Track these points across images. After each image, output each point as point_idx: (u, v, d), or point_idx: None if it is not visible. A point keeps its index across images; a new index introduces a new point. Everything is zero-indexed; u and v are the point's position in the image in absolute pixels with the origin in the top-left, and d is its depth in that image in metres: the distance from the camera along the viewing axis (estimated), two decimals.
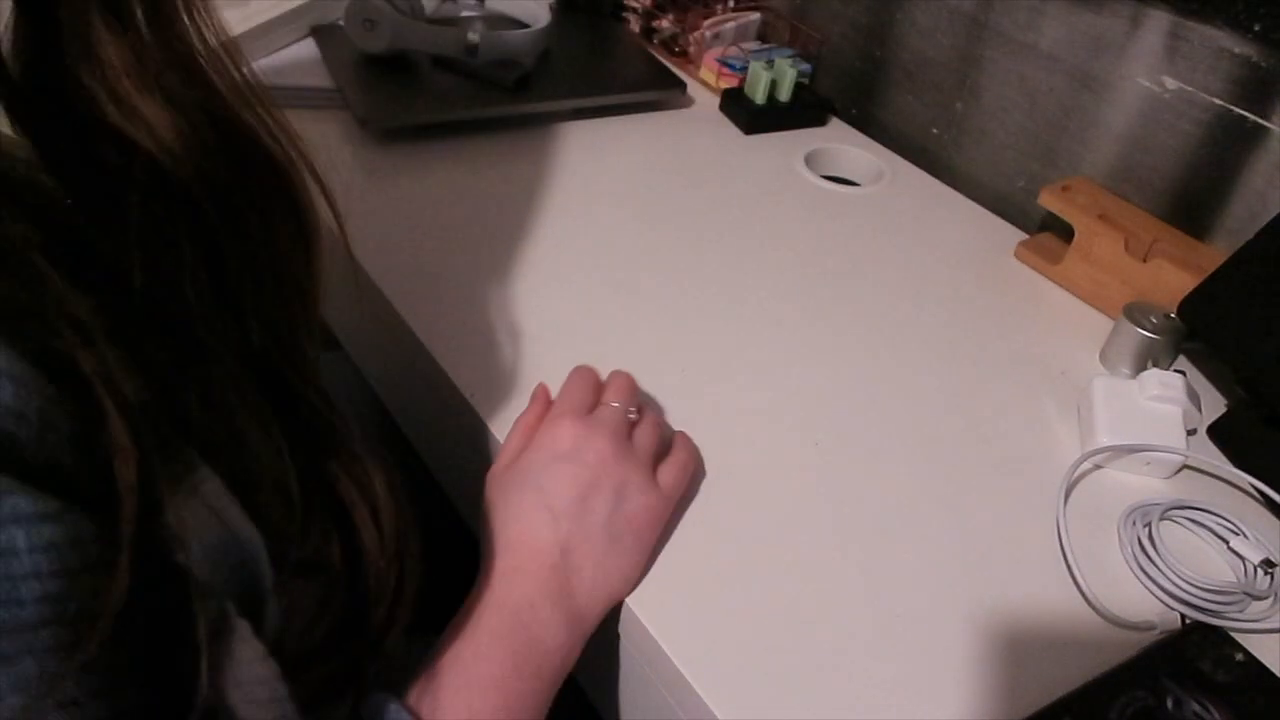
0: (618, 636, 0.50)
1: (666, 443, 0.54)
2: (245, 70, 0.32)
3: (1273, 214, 0.61)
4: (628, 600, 0.47)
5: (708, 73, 0.98)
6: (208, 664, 0.26)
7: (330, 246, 0.72)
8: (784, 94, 0.92)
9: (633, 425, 0.52)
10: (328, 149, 0.80)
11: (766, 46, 1.00)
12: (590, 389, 0.53)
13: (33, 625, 0.22)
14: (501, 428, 0.55)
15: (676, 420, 0.58)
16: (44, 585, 0.22)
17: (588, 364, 0.56)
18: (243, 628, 0.28)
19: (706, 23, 0.99)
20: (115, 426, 0.24)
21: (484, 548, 0.48)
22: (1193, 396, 0.61)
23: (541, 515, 0.47)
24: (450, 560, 0.46)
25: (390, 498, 0.37)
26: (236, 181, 0.31)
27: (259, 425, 0.32)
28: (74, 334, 0.25)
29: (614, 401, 0.52)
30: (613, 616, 0.50)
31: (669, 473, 0.51)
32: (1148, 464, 0.58)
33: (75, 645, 0.23)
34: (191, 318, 0.30)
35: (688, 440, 0.54)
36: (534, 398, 0.55)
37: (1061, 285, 0.76)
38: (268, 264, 0.33)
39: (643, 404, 0.55)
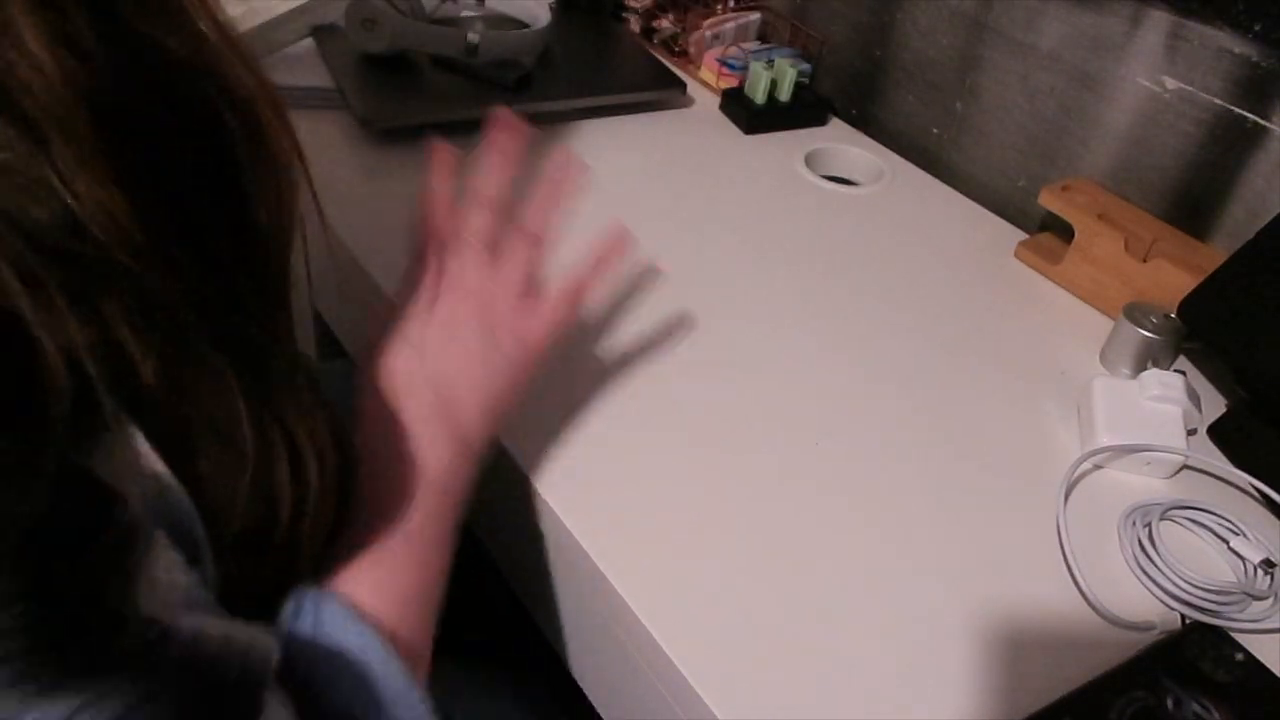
0: (618, 636, 0.50)
1: (537, 261, 0.53)
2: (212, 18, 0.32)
3: (1273, 214, 0.61)
4: (628, 599, 0.47)
5: (708, 73, 0.98)
6: (126, 574, 0.27)
7: (330, 245, 0.72)
8: (784, 94, 0.92)
9: (494, 259, 0.51)
10: (328, 149, 0.80)
11: (766, 46, 1.00)
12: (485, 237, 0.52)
13: None
14: (501, 428, 0.55)
15: (676, 420, 0.58)
16: None
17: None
18: (159, 537, 0.29)
19: (706, 23, 0.99)
20: (53, 363, 0.25)
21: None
22: (1193, 396, 0.61)
23: (407, 358, 0.47)
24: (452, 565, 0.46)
25: (332, 443, 0.37)
26: (195, 119, 0.31)
27: (212, 378, 0.31)
28: (16, 279, 0.25)
29: (487, 220, 0.52)
30: (613, 615, 0.50)
31: (539, 306, 0.51)
32: (1148, 464, 0.58)
33: None
34: (143, 263, 0.29)
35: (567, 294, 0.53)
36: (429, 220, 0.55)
37: (1061, 285, 0.76)
38: (235, 211, 0.33)
39: (522, 224, 0.54)
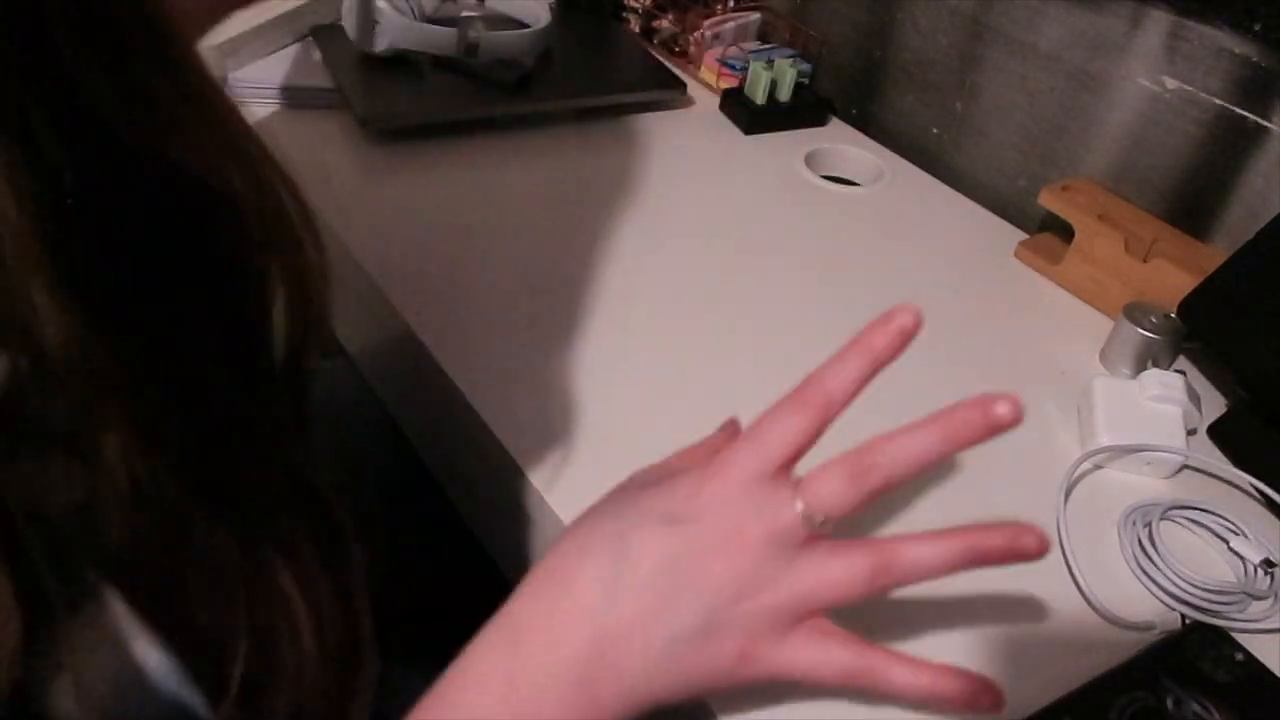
0: None
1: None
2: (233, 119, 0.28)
3: (1273, 214, 0.61)
4: None
5: (708, 73, 0.98)
6: None
7: (327, 242, 0.71)
8: (784, 94, 0.92)
9: (811, 539, 0.36)
10: (328, 149, 0.80)
11: (766, 46, 1.00)
12: (792, 445, 0.38)
13: None
14: (502, 429, 0.55)
15: (675, 420, 0.58)
16: None
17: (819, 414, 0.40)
18: None
19: (706, 23, 0.99)
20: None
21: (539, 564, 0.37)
22: (1193, 396, 0.61)
23: (599, 575, 0.34)
24: (450, 568, 0.46)
25: (337, 601, 0.31)
26: (195, 239, 0.27)
27: (205, 527, 0.27)
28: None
29: (814, 493, 0.36)
30: None
31: (803, 639, 0.36)
32: (1148, 464, 0.58)
33: None
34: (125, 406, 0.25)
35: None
36: (725, 426, 0.43)
37: (1061, 285, 0.76)
38: (244, 341, 0.29)
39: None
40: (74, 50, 0.23)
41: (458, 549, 0.46)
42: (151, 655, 0.26)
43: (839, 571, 0.35)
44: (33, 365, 0.22)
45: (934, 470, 0.57)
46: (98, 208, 0.24)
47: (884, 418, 0.61)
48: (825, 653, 0.35)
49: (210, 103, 0.27)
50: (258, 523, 0.29)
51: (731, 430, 0.42)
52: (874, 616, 0.48)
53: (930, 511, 0.54)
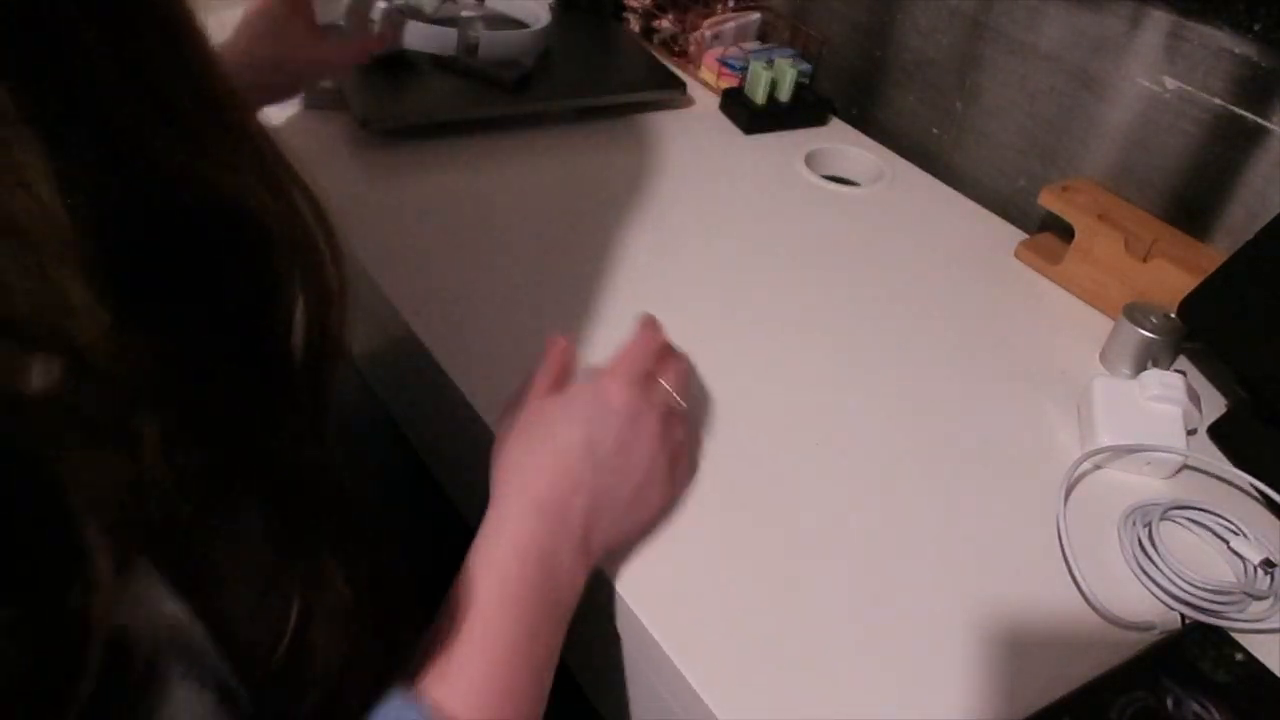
0: (618, 636, 0.50)
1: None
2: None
3: (1273, 214, 0.61)
4: (627, 599, 0.47)
5: (708, 73, 0.98)
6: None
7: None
8: (784, 94, 0.92)
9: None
10: (328, 149, 0.80)
11: (766, 46, 1.00)
12: (651, 357, 0.53)
13: None
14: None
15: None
16: None
17: (654, 318, 0.55)
18: (177, 680, 0.27)
19: (706, 23, 0.99)
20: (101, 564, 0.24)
21: (504, 471, 0.47)
22: (1193, 396, 0.61)
23: (585, 458, 0.46)
24: (449, 566, 0.46)
25: (369, 585, 0.34)
26: (222, 251, 0.29)
27: (240, 513, 0.29)
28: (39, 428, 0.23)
29: (669, 384, 0.52)
30: (611, 615, 0.50)
31: (681, 472, 0.52)
32: (1148, 464, 0.58)
33: None
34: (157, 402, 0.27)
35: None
36: (550, 349, 0.54)
37: (1061, 285, 0.76)
38: (270, 342, 0.31)
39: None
40: (105, 64, 0.25)
41: (458, 546, 0.47)
42: (189, 625, 0.28)
43: (684, 431, 0.52)
44: (75, 363, 0.24)
45: (934, 471, 0.57)
46: (133, 216, 0.25)
47: (884, 416, 0.61)
48: (683, 476, 0.52)
49: (239, 125, 0.29)
50: (286, 511, 0.31)
51: (560, 349, 0.54)
52: (874, 616, 0.48)
53: (931, 511, 0.54)
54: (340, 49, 0.74)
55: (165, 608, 0.28)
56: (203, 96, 0.28)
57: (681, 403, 0.52)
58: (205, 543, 0.28)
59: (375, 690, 0.36)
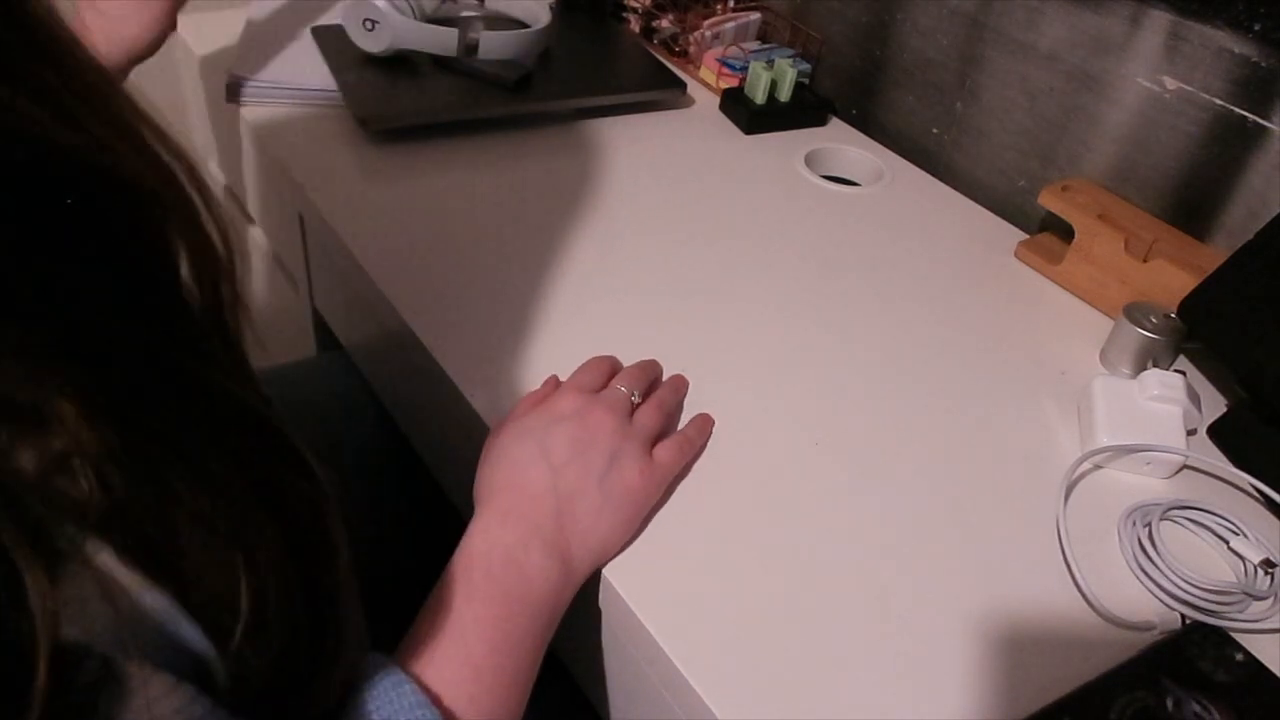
0: (617, 634, 0.50)
1: (670, 428, 0.56)
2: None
3: (1273, 214, 0.61)
4: (627, 600, 0.47)
5: (708, 73, 0.98)
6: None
7: (328, 245, 0.72)
8: (784, 94, 0.92)
9: (635, 407, 0.54)
10: (328, 149, 0.80)
11: (766, 46, 1.00)
12: (601, 375, 0.56)
13: None
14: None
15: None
16: None
17: (607, 354, 0.59)
18: (135, 674, 0.26)
19: (706, 23, 0.99)
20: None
21: (478, 494, 0.50)
22: (1193, 396, 0.61)
23: (539, 464, 0.49)
24: (445, 561, 0.47)
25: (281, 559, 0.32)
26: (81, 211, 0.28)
27: (178, 462, 0.29)
28: None
29: (620, 385, 0.55)
30: (612, 617, 0.50)
31: (666, 450, 0.53)
32: (1148, 464, 0.58)
33: None
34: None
35: (702, 422, 0.57)
36: (545, 382, 0.58)
37: (1061, 285, 0.76)
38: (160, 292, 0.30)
39: (655, 391, 0.57)
40: None
41: (454, 542, 0.47)
42: (148, 597, 0.27)
43: (653, 415, 0.54)
44: None
45: (934, 471, 0.57)
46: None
47: (883, 415, 0.61)
48: (669, 452, 0.53)
49: (98, 90, 0.29)
50: (223, 461, 0.30)
51: (553, 380, 0.58)
52: (873, 616, 0.48)
53: (930, 510, 0.54)
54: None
55: (122, 602, 0.27)
56: (41, 50, 0.27)
57: (636, 396, 0.55)
58: (152, 509, 0.28)
59: (354, 663, 0.38)
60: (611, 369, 0.57)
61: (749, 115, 0.90)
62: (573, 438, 0.50)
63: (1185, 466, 0.59)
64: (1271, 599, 0.51)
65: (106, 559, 0.26)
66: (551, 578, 0.46)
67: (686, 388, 0.60)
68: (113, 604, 0.26)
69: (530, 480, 0.49)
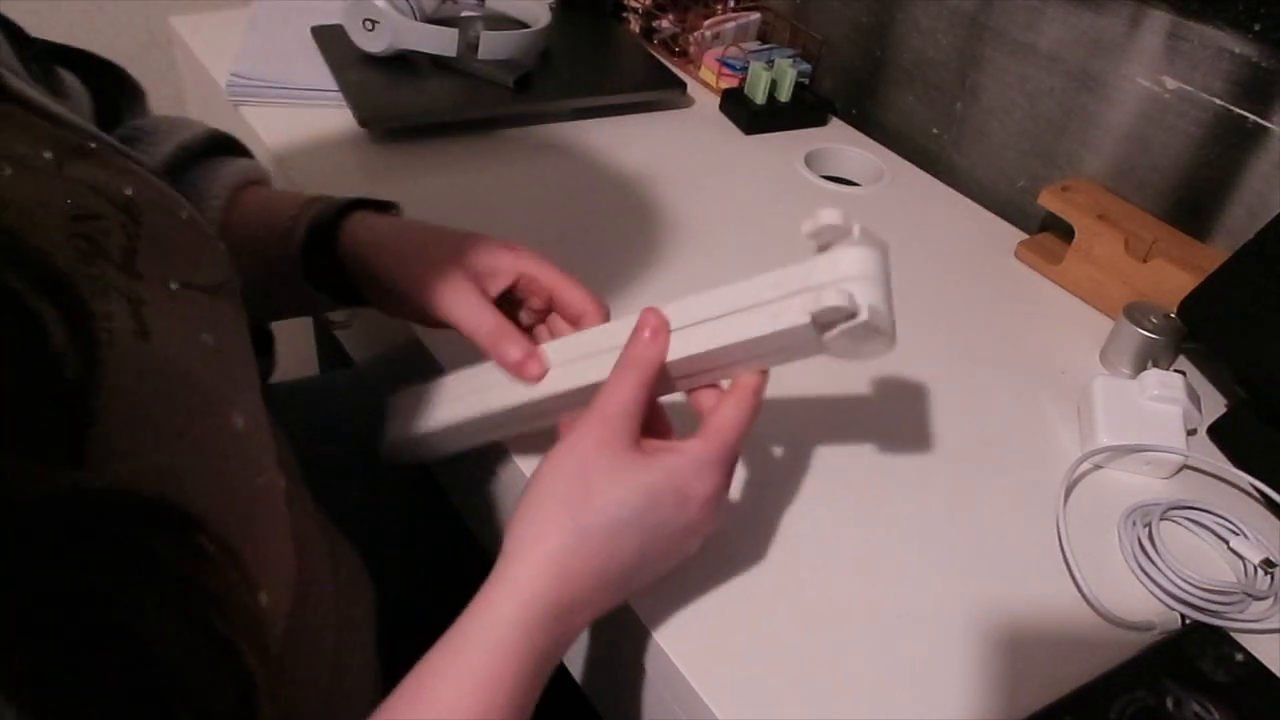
0: (615, 637, 0.50)
1: None
2: None
3: (1273, 214, 0.61)
4: (629, 602, 0.47)
5: (708, 73, 0.98)
6: None
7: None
8: (784, 94, 0.92)
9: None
10: (328, 149, 0.80)
11: (766, 46, 1.00)
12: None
13: None
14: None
15: (672, 416, 0.58)
16: None
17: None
18: None
19: (706, 23, 0.99)
20: None
21: (523, 514, 0.44)
22: (1193, 396, 0.61)
23: (628, 530, 0.42)
24: (451, 569, 0.46)
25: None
26: None
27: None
28: None
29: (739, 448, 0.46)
30: (610, 616, 0.50)
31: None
32: (1148, 464, 0.58)
33: None
34: None
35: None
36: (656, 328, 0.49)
37: (1061, 285, 0.76)
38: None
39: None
40: None
41: (460, 558, 0.46)
42: None
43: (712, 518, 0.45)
44: None
45: (934, 471, 0.57)
46: None
47: (883, 414, 0.61)
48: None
49: None
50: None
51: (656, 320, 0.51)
52: (873, 616, 0.48)
53: (931, 510, 0.54)
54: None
55: None
56: None
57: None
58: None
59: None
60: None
61: (749, 115, 0.90)
62: (686, 526, 0.43)
63: (1185, 466, 0.59)
64: (1271, 599, 0.51)
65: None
66: (553, 654, 0.42)
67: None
68: None
69: (611, 548, 0.42)
